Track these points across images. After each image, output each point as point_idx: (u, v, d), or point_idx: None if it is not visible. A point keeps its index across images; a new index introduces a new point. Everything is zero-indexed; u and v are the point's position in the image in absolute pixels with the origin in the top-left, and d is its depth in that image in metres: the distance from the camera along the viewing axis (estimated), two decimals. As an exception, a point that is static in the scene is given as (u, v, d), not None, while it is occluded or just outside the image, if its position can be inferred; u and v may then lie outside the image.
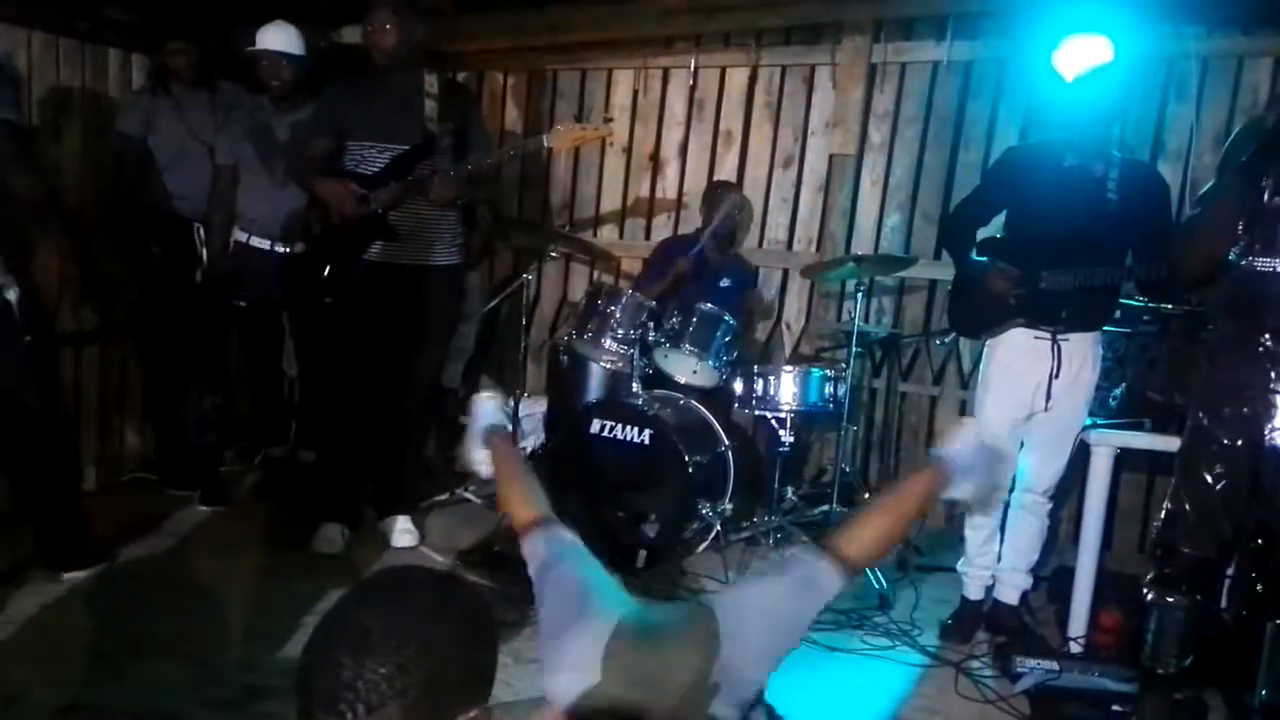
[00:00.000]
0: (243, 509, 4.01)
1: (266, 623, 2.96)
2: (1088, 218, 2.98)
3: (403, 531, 3.72)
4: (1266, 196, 2.27)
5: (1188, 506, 2.39)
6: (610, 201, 5.21)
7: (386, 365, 3.60)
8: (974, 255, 3.23)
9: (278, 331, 4.22)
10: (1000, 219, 3.30)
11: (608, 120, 3.37)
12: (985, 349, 3.26)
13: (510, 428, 2.76)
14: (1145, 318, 3.24)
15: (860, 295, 3.88)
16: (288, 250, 3.96)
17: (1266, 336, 2.25)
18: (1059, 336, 3.04)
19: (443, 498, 4.30)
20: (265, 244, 3.97)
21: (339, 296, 3.56)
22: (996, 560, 3.31)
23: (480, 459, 2.61)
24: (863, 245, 4.70)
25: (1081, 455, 3.18)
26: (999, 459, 2.13)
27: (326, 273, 3.52)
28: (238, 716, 2.44)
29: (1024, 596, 3.37)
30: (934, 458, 2.13)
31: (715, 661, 1.89)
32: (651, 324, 3.89)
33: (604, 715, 1.87)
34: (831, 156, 4.76)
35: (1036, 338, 3.08)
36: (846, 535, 2.13)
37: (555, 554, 2.31)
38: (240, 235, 4.00)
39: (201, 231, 4.07)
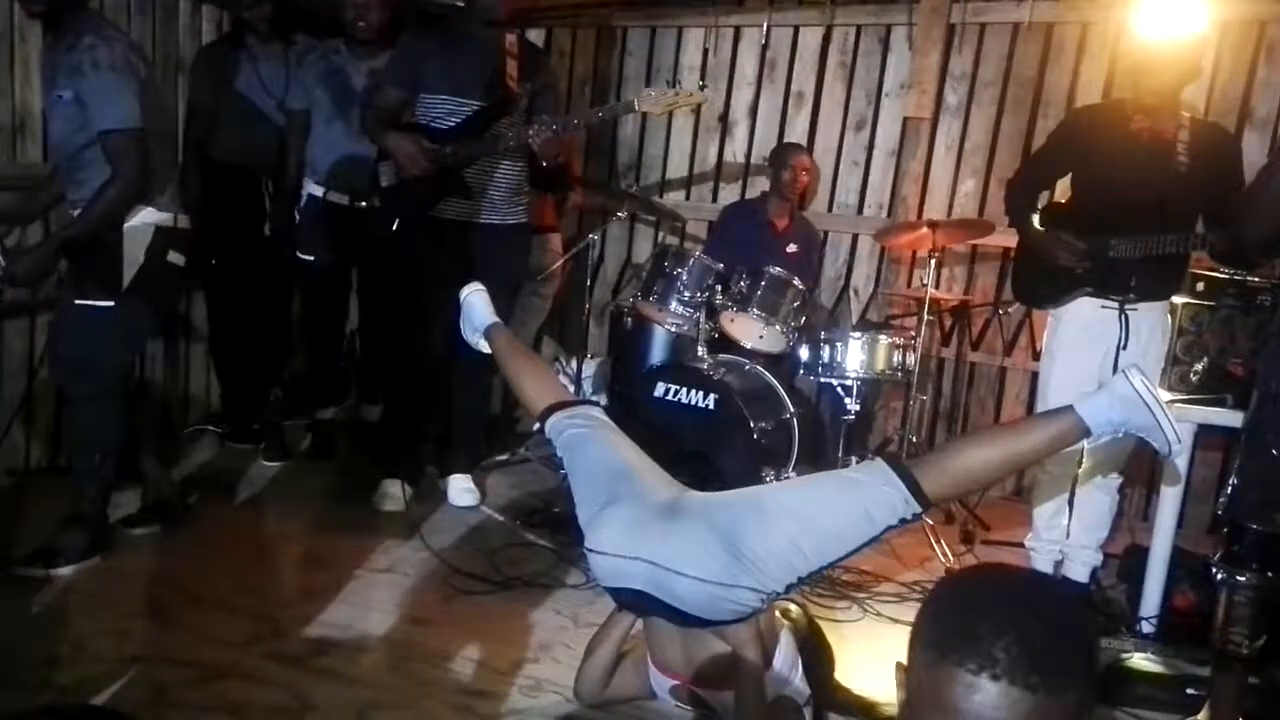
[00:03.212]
0: (304, 465, 4.05)
1: (328, 578, 3.01)
2: (1156, 183, 2.88)
3: (463, 490, 3.75)
4: None
5: (1255, 482, 2.31)
6: (677, 163, 5.16)
7: (452, 324, 3.60)
8: (1036, 222, 3.13)
9: (345, 291, 4.20)
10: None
11: (702, 87, 3.27)
12: (1050, 319, 3.18)
13: (497, 320, 2.86)
14: (1230, 290, 3.11)
15: (933, 262, 3.79)
16: (363, 205, 3.91)
17: None
18: (1127, 306, 2.95)
19: (504, 457, 4.33)
20: (343, 199, 3.90)
21: (407, 252, 3.56)
22: (1065, 535, 3.24)
23: (482, 345, 2.83)
24: (936, 211, 4.59)
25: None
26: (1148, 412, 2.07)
27: (395, 227, 3.52)
28: (300, 671, 2.47)
29: (1094, 573, 3.30)
30: (1073, 408, 2.10)
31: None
32: (718, 287, 3.84)
33: None
34: (905, 119, 4.65)
35: (1104, 307, 3.00)
36: (934, 466, 2.11)
37: (581, 435, 2.40)
38: (315, 190, 3.93)
39: (270, 186, 4.07)
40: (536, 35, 5.24)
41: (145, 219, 2.90)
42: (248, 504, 3.64)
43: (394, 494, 3.62)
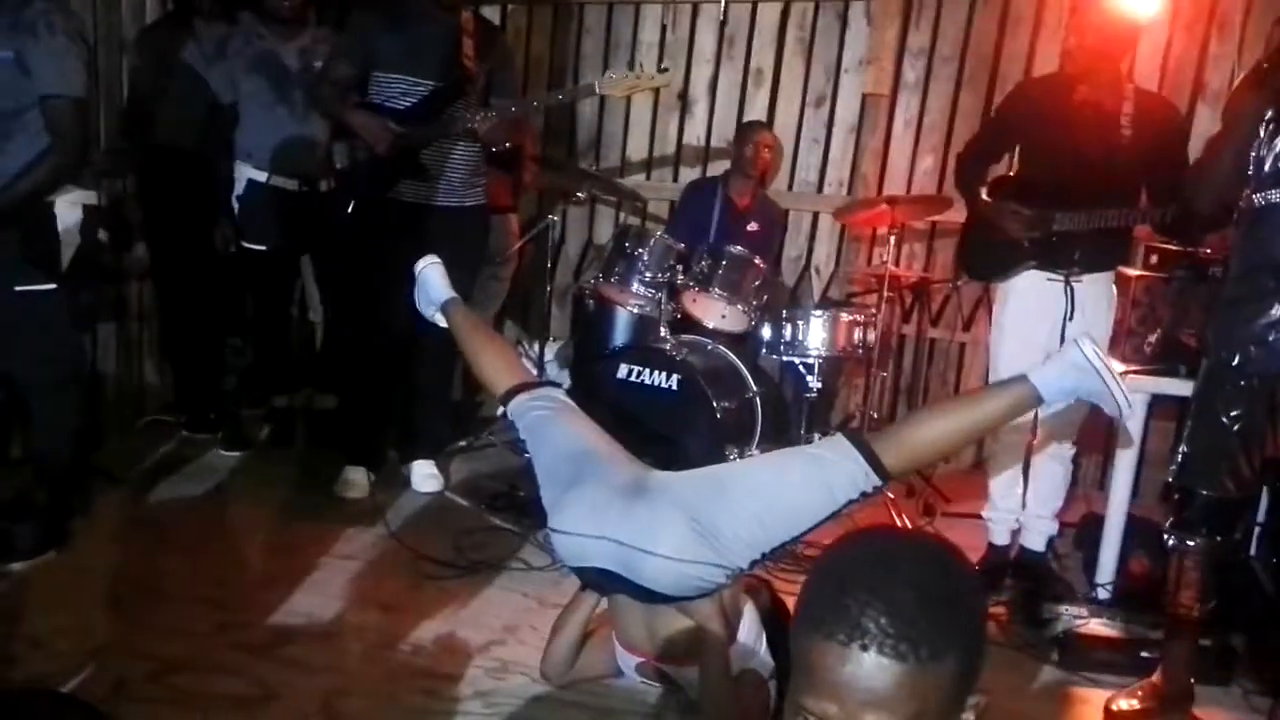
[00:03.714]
0: (264, 454, 4.00)
1: (291, 567, 2.98)
2: (1100, 155, 2.91)
3: (426, 476, 3.73)
4: (1269, 131, 2.22)
5: (1204, 448, 2.37)
6: (637, 142, 5.13)
7: (410, 307, 3.56)
8: (985, 194, 3.16)
9: (291, 278, 4.14)
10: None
11: (664, 69, 3.25)
12: (998, 293, 3.22)
13: (455, 295, 2.82)
14: (1183, 262, 3.16)
15: (892, 239, 3.81)
16: (312, 189, 3.86)
17: None
18: (1072, 279, 3.00)
19: (467, 442, 4.31)
20: (289, 184, 3.84)
21: (363, 236, 3.52)
22: (1021, 505, 3.30)
23: (438, 319, 2.81)
24: (895, 187, 4.62)
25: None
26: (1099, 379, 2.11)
27: (351, 209, 3.47)
28: (263, 660, 2.46)
29: (1050, 542, 3.36)
30: (1026, 377, 2.13)
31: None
32: (680, 267, 3.84)
33: None
34: (865, 96, 4.66)
35: (1049, 280, 3.03)
36: (892, 440, 2.15)
37: (544, 417, 2.41)
38: (258, 175, 3.84)
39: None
40: (492, 13, 5.16)
41: (76, 198, 2.82)
42: (208, 494, 3.59)
43: (357, 481, 3.60)
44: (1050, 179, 2.99)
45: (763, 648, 2.37)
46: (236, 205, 3.86)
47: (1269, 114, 2.21)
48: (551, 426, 2.44)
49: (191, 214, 3.93)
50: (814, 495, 2.15)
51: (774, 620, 2.48)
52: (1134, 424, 3.09)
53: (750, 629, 2.36)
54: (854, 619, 0.85)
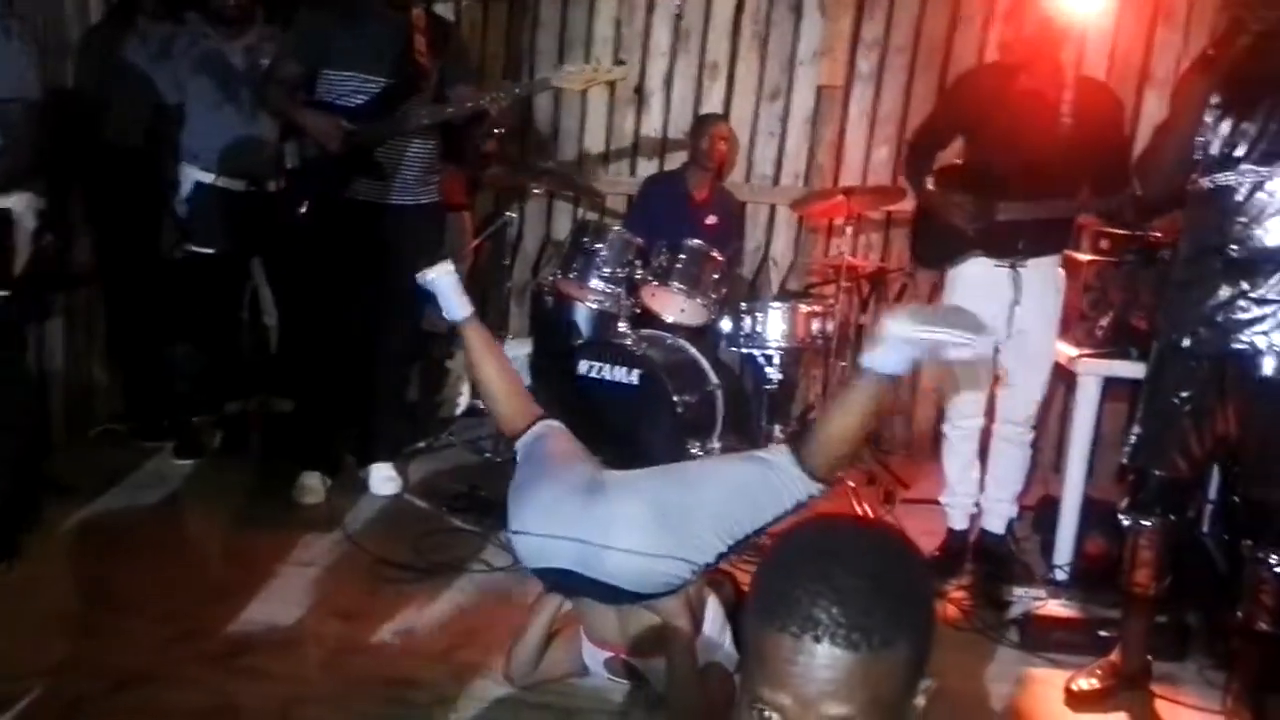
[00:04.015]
0: (218, 461, 3.92)
1: (248, 575, 2.93)
2: (1041, 144, 2.94)
3: (385, 479, 3.68)
4: (1215, 116, 2.25)
5: (1157, 429, 2.41)
6: (594, 136, 5.10)
7: (366, 308, 3.53)
8: (931, 183, 3.19)
9: (242, 281, 4.05)
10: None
11: (621, 62, 3.24)
12: (947, 281, 3.25)
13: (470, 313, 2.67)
14: (1133, 246, 3.21)
15: (849, 230, 3.83)
16: (263, 189, 3.79)
17: (1233, 248, 2.23)
18: (1018, 265, 3.03)
19: (425, 443, 4.27)
20: (237, 185, 3.75)
21: (317, 236, 3.47)
22: (978, 489, 3.34)
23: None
24: (851, 178, 4.64)
25: (1065, 385, 3.19)
26: (951, 324, 2.08)
27: (304, 210, 3.42)
28: (222, 671, 2.42)
29: (1010, 525, 3.39)
30: (861, 367, 2.16)
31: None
32: (639, 262, 3.83)
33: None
34: (820, 88, 4.67)
35: (995, 266, 3.07)
36: (811, 445, 2.22)
37: (539, 436, 2.47)
38: (204, 177, 3.74)
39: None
40: (446, 9, 5.12)
41: (27, 203, 2.76)
42: (161, 504, 3.51)
43: (313, 486, 3.55)
44: (994, 167, 3.02)
45: (728, 641, 2.37)
46: (184, 207, 3.78)
47: (1215, 99, 2.24)
48: (538, 447, 2.46)
49: (138, 217, 3.85)
50: (769, 493, 2.21)
51: (738, 613, 2.48)
52: (1088, 406, 3.15)
53: (715, 622, 2.37)
54: (805, 610, 0.84)
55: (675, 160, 4.84)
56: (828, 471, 2.21)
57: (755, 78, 4.82)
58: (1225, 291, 2.24)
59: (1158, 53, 4.20)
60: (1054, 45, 3.00)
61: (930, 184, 3.18)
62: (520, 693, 2.39)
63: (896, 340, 2.10)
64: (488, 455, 4.01)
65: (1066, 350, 3.19)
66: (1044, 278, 3.08)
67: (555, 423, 2.54)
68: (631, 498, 2.23)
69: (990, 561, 3.28)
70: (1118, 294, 3.15)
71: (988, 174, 3.03)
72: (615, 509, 2.20)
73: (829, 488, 2.25)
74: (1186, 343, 2.30)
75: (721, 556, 2.23)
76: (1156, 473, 2.39)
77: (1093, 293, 3.18)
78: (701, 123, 4.51)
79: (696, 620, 2.31)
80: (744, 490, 2.22)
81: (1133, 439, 2.44)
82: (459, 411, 4.62)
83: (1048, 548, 3.30)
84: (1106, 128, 2.98)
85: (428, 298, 2.74)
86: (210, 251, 3.78)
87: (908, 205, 4.28)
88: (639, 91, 4.99)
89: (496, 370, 2.61)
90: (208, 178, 3.73)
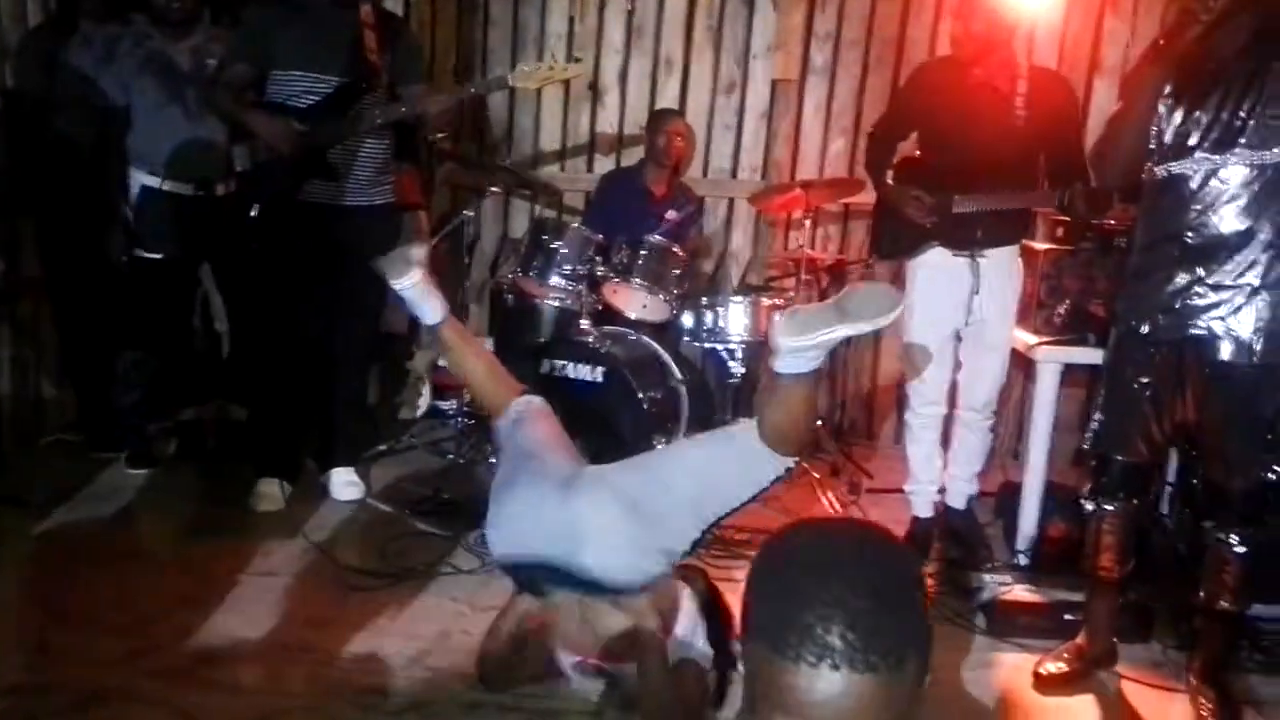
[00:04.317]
0: (173, 470, 3.84)
1: (208, 586, 2.87)
2: (996, 137, 2.98)
3: (346, 484, 3.62)
4: (1169, 105, 2.29)
5: (1118, 415, 2.44)
6: (550, 134, 5.07)
7: (322, 312, 3.47)
8: (890, 177, 3.22)
9: (192, 286, 3.96)
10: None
11: (576, 60, 3.22)
12: (908, 271, 3.28)
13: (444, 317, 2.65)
14: (1088, 233, 3.25)
15: (807, 223, 3.85)
16: (211, 193, 3.70)
17: (1189, 235, 2.26)
18: (977, 255, 3.07)
19: (386, 447, 4.22)
20: (185, 189, 3.65)
21: (270, 239, 3.41)
22: (940, 477, 3.39)
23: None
24: (808, 171, 4.66)
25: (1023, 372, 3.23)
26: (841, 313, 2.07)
27: (255, 213, 3.35)
28: (185, 686, 2.36)
29: (970, 501, 3.45)
30: (772, 372, 2.18)
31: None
32: (599, 259, 3.81)
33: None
34: (774, 82, 4.68)
35: (955, 256, 3.11)
36: (763, 434, 2.23)
37: (518, 420, 2.50)
38: (151, 180, 3.64)
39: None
40: (394, 5, 5.05)
41: None
42: (117, 515, 3.42)
43: (271, 493, 3.48)
44: (950, 161, 3.06)
45: (701, 639, 2.36)
46: (131, 212, 3.69)
47: (1167, 89, 2.27)
48: (519, 432, 2.48)
49: (85, 223, 3.75)
50: (739, 475, 2.24)
51: (710, 609, 2.48)
52: (1048, 392, 3.19)
53: (688, 620, 2.36)
54: (819, 638, 0.82)
55: (632, 156, 4.82)
56: (791, 448, 2.22)
57: (710, 72, 4.82)
58: (1182, 278, 2.27)
59: (1107, 42, 4.27)
60: (1004, 38, 3.03)
61: (890, 177, 3.20)
62: (494, 696, 2.36)
63: (791, 350, 2.10)
64: (451, 457, 3.97)
65: (1025, 338, 3.23)
66: (1002, 267, 3.12)
67: (535, 399, 2.56)
68: (605, 492, 2.26)
69: (955, 536, 3.34)
70: (1074, 282, 3.19)
71: (944, 167, 3.06)
72: (591, 503, 2.23)
73: (796, 464, 2.28)
74: (1145, 329, 2.33)
75: (696, 543, 2.26)
76: (1118, 458, 2.42)
77: (1049, 281, 3.22)
78: (658, 119, 4.49)
79: (667, 622, 2.32)
80: (715, 472, 2.25)
81: (1094, 425, 2.47)
82: (420, 413, 4.57)
83: (1010, 533, 3.34)
84: (1061, 119, 3.03)
85: (393, 300, 2.72)
86: (159, 257, 3.68)
87: (865, 198, 4.31)
88: (594, 88, 4.96)
89: (476, 360, 2.63)
90: (154, 181, 3.64)
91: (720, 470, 2.24)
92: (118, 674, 2.39)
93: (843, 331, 2.07)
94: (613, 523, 2.18)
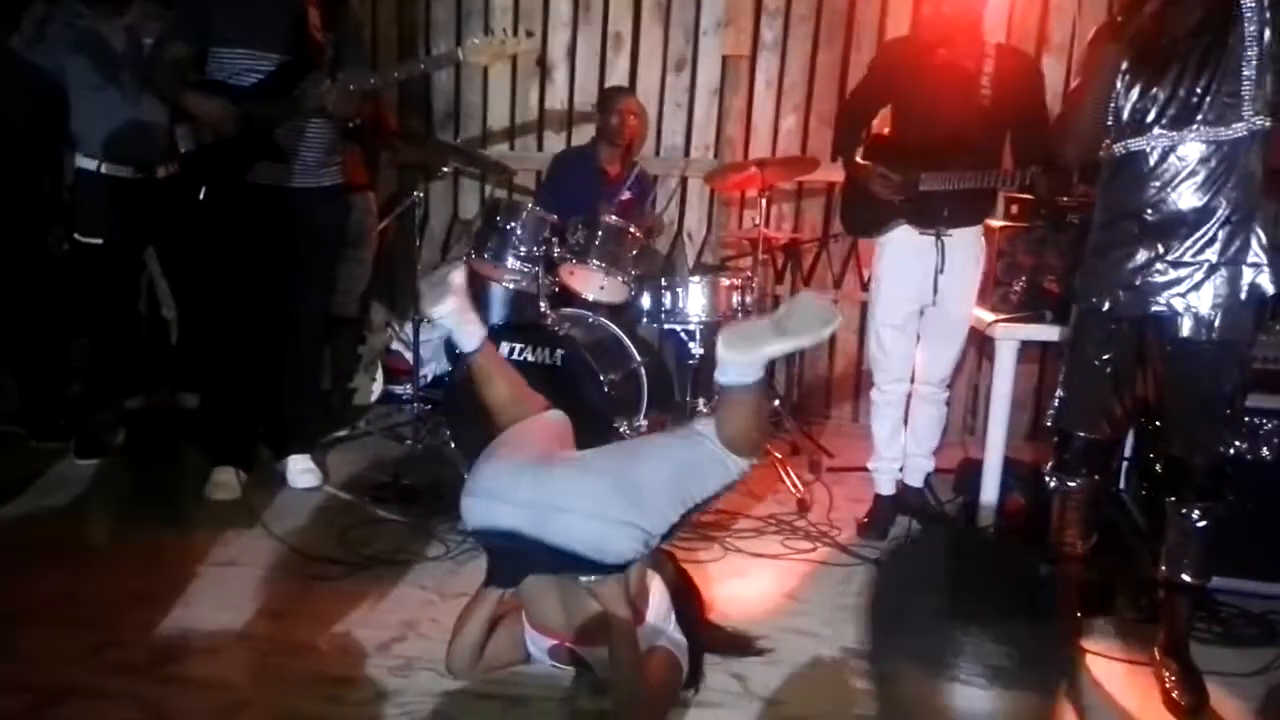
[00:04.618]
0: (122, 460, 3.73)
1: (165, 578, 2.80)
2: (961, 117, 3.01)
3: (303, 471, 3.55)
4: (1126, 82, 2.32)
5: (1079, 392, 2.48)
6: (498, 111, 5.00)
7: (273, 296, 3.39)
8: (860, 155, 3.23)
9: (135, 271, 3.86)
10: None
11: (529, 34, 3.16)
12: (876, 247, 3.31)
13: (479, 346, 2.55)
14: (1041, 211, 3.29)
15: (763, 201, 3.84)
16: (152, 176, 3.59)
17: (1148, 212, 2.30)
18: (943, 234, 3.10)
19: (343, 433, 4.14)
20: (123, 171, 3.55)
21: (217, 223, 3.30)
22: (904, 454, 3.42)
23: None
24: (760, 149, 4.66)
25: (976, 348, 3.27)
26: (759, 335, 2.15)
27: (202, 196, 3.24)
28: (149, 681, 2.30)
29: (928, 479, 3.51)
30: (718, 384, 2.23)
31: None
32: (555, 240, 3.76)
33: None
34: (725, 58, 4.66)
35: (921, 233, 3.13)
36: (721, 438, 2.26)
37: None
38: (88, 164, 3.54)
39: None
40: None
41: None
42: (68, 508, 3.32)
43: (227, 482, 3.40)
44: (916, 141, 3.08)
45: (672, 624, 2.36)
46: (69, 196, 3.55)
47: (1124, 65, 2.30)
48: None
49: (20, 208, 3.61)
50: (712, 469, 2.27)
51: (681, 593, 2.48)
52: (1006, 368, 3.25)
53: (659, 606, 2.36)
54: None
55: (582, 134, 4.77)
56: (746, 454, 2.27)
57: (660, 48, 4.78)
58: (1142, 255, 2.31)
59: (1053, 17, 4.31)
60: (973, 19, 3.04)
61: (859, 155, 3.21)
62: (464, 684, 2.34)
63: (730, 364, 2.17)
64: (408, 442, 3.91)
65: (982, 315, 3.27)
66: (966, 246, 3.15)
67: (555, 413, 2.57)
68: (585, 468, 2.27)
69: (911, 512, 3.41)
70: (1029, 259, 3.23)
71: (911, 145, 3.08)
72: (573, 473, 2.25)
73: (756, 461, 2.32)
74: (1106, 306, 2.37)
75: (673, 527, 2.26)
76: (1080, 434, 2.46)
77: (1005, 258, 3.26)
78: (609, 98, 4.43)
79: (638, 609, 2.31)
80: (691, 464, 2.27)
81: (1056, 402, 2.51)
82: (374, 399, 4.50)
83: (969, 508, 3.39)
84: (1027, 97, 3.05)
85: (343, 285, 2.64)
86: (99, 241, 3.56)
87: (819, 176, 4.35)
88: (542, 64, 4.89)
89: (503, 383, 2.56)
90: (92, 165, 3.52)
91: (693, 465, 2.27)
92: (79, 672, 2.32)
93: (781, 347, 2.17)
94: (596, 491, 2.18)
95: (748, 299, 3.88)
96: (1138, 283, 2.31)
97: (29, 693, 2.22)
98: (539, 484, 2.20)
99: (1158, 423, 2.52)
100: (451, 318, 2.51)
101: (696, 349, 3.89)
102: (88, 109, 3.51)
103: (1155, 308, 2.30)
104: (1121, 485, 3.21)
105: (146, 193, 3.58)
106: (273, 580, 2.85)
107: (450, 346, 2.63)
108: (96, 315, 3.67)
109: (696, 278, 3.92)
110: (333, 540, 3.10)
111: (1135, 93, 2.29)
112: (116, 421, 3.85)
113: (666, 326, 3.96)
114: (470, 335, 2.53)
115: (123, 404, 3.87)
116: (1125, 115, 2.31)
